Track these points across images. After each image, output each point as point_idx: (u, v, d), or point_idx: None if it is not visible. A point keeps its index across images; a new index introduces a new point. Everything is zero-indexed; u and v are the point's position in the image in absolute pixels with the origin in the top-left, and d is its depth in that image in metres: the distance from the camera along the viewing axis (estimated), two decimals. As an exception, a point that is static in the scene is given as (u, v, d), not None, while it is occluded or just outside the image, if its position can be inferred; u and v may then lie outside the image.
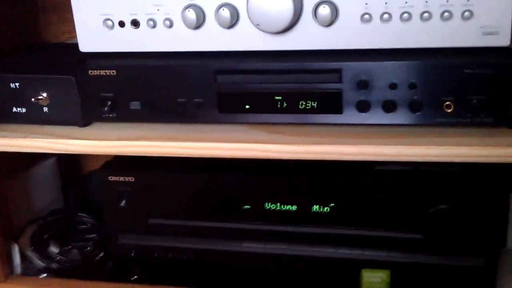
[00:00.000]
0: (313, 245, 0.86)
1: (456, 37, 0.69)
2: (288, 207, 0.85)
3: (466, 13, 0.68)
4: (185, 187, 0.87)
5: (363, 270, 0.85)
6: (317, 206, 0.85)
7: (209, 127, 0.80)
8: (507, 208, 0.94)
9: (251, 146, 0.76)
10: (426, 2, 0.68)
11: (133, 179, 0.86)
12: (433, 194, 0.81)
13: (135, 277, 0.92)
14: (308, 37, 0.73)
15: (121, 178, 0.86)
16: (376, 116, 0.73)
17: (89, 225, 1.02)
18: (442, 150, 0.71)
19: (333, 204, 0.84)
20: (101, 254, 0.98)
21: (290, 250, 0.87)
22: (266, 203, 0.86)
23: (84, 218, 1.03)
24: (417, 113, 0.72)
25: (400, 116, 0.72)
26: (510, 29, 0.68)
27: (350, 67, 0.72)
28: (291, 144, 0.74)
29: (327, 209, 0.84)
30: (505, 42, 0.69)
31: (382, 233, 0.84)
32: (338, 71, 0.72)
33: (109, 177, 0.86)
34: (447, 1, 0.68)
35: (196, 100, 0.77)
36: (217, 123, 0.79)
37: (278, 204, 0.86)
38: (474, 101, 0.70)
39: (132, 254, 0.91)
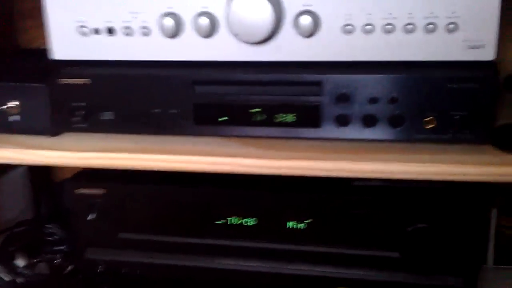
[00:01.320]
0: (288, 262, 0.84)
1: (440, 50, 0.68)
2: (263, 223, 0.83)
3: (451, 25, 0.66)
4: (157, 201, 0.84)
5: (340, 288, 0.83)
6: (293, 222, 0.82)
7: (184, 140, 0.77)
8: (487, 224, 0.93)
9: (225, 160, 0.73)
10: (410, 13, 0.67)
11: (103, 192, 0.83)
12: (412, 211, 0.78)
13: (104, 293, 0.88)
14: (289, 48, 0.71)
15: (91, 190, 0.83)
16: (356, 131, 0.71)
17: (58, 236, 0.99)
18: (421, 168, 0.69)
19: (309, 221, 0.81)
20: (71, 267, 0.94)
21: (265, 267, 0.84)
22: (241, 219, 0.83)
23: (53, 229, 0.99)
24: (397, 129, 0.70)
25: (380, 131, 0.71)
26: (495, 42, 0.66)
27: (330, 80, 0.70)
28: (266, 159, 0.72)
29: (302, 226, 0.82)
30: (489, 56, 0.67)
31: (358, 250, 0.81)
32: (318, 83, 0.70)
33: (78, 189, 0.83)
34: (432, 12, 0.66)
35: (171, 111, 0.74)
36: (192, 135, 0.76)
37: (254, 219, 0.83)
38: (456, 116, 0.68)
39: (100, 270, 0.87)
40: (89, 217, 0.84)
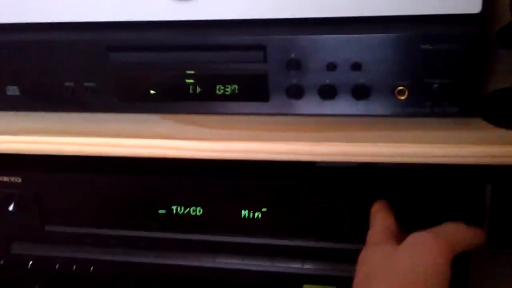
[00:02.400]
0: (244, 256, 0.72)
1: (412, 1, 0.53)
2: (213, 212, 0.70)
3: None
4: (86, 190, 0.72)
5: (304, 286, 0.71)
6: (247, 211, 0.69)
7: (107, 117, 0.64)
8: (482, 208, 0.80)
9: (158, 142, 0.61)
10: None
11: (20, 180, 0.70)
12: (387, 197, 0.65)
13: (36, 291, 0.77)
14: (224, 3, 0.56)
15: (5, 179, 0.70)
16: (312, 104, 0.58)
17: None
18: (394, 149, 0.56)
19: (266, 209, 0.68)
20: None
21: (216, 263, 0.72)
22: (185, 208, 0.70)
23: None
24: (362, 101, 0.57)
25: (341, 105, 0.57)
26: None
27: (276, 43, 0.56)
28: (204, 140, 0.59)
29: (258, 215, 0.69)
30: (475, 8, 0.53)
31: (326, 243, 0.69)
32: (262, 47, 0.56)
33: (-9, 177, 0.71)
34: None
35: (87, 84, 0.60)
36: (116, 113, 0.63)
37: (200, 209, 0.70)
38: (434, 85, 0.55)
39: (30, 266, 0.75)
40: (10, 208, 0.71)
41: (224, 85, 0.59)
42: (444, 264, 0.51)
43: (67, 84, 0.61)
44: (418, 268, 0.51)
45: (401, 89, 0.56)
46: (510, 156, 0.54)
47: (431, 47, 0.53)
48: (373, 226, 0.61)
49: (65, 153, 0.62)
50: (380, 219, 0.61)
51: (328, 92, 0.57)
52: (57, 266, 0.76)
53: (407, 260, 0.52)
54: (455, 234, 0.54)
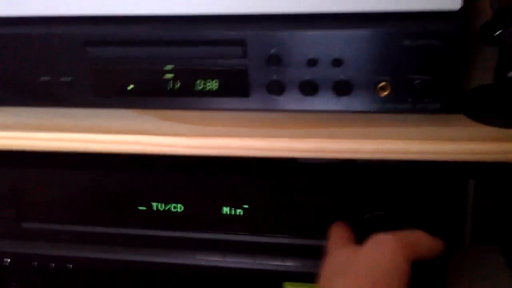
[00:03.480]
0: (225, 253, 0.71)
1: (393, -2, 0.52)
2: (193, 209, 0.69)
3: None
4: (64, 186, 0.71)
5: (284, 283, 0.70)
6: (228, 208, 0.68)
7: (83, 113, 0.62)
8: (463, 202, 0.80)
9: (135, 138, 0.59)
10: None
11: (-5, 176, 0.69)
12: (369, 193, 0.65)
13: (13, 289, 0.76)
14: (203, -3, 0.55)
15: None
16: (292, 100, 0.57)
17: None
18: (375, 145, 0.56)
19: (247, 206, 0.67)
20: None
21: (197, 260, 0.71)
22: (165, 205, 0.69)
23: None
24: (343, 97, 0.56)
25: (322, 101, 0.56)
26: (461, -13, 0.51)
27: (257, 38, 0.55)
28: (184, 136, 0.58)
29: (239, 212, 0.68)
30: (455, 4, 0.52)
31: (307, 240, 0.69)
32: (242, 42, 0.55)
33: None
34: None
35: (64, 79, 0.59)
36: (93, 108, 0.61)
37: (181, 206, 0.69)
38: (416, 81, 0.54)
39: (7, 263, 0.74)
40: (-14, 204, 0.70)
41: (203, 81, 0.58)
42: (403, 262, 0.53)
43: (43, 78, 0.60)
44: (378, 265, 0.53)
45: (382, 85, 0.55)
46: (491, 153, 0.54)
47: (412, 43, 0.52)
48: (333, 236, 0.63)
49: (40, 149, 0.61)
50: (337, 232, 0.63)
51: (309, 88, 0.56)
52: (35, 264, 0.75)
53: (367, 258, 0.55)
54: (415, 238, 0.57)
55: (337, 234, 0.63)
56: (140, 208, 0.71)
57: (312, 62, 0.55)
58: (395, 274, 0.53)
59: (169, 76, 0.58)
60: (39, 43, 0.58)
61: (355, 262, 0.55)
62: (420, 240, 0.57)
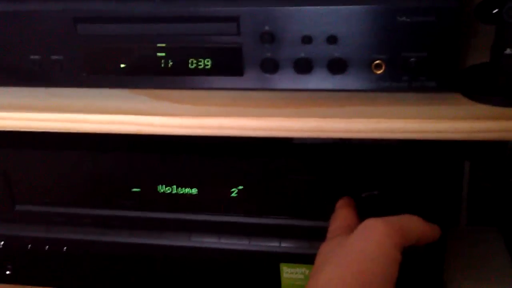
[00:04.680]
0: (220, 235, 0.70)
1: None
2: (187, 190, 0.68)
3: None
4: (57, 168, 0.70)
5: (281, 264, 0.70)
6: (223, 189, 0.67)
7: (75, 92, 0.62)
8: (459, 183, 0.79)
9: (128, 118, 0.59)
10: None
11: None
12: (366, 173, 0.64)
13: (8, 272, 0.75)
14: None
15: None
16: (287, 79, 0.56)
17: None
18: (370, 125, 0.55)
19: (242, 187, 0.67)
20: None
21: (191, 241, 0.71)
22: (160, 186, 0.69)
23: None
24: (338, 75, 0.55)
25: (317, 79, 0.56)
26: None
27: (250, 14, 0.54)
28: (177, 116, 0.57)
29: (234, 193, 0.67)
30: (451, -19, 0.51)
31: (303, 221, 0.68)
32: (235, 19, 0.54)
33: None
34: None
35: (54, 57, 0.58)
36: (84, 87, 0.61)
37: (174, 187, 0.68)
38: (412, 59, 0.53)
39: (1, 246, 0.73)
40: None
41: (196, 59, 0.57)
42: (392, 247, 0.51)
43: (33, 57, 0.59)
44: (364, 252, 0.51)
45: (377, 63, 0.54)
46: (488, 131, 0.53)
47: (407, 20, 0.52)
48: (334, 222, 0.61)
49: (32, 130, 0.60)
50: (343, 216, 0.61)
51: (303, 66, 0.55)
52: (29, 246, 0.74)
53: (356, 243, 0.53)
54: (407, 223, 0.54)
55: (342, 219, 0.61)
56: (134, 190, 0.70)
57: (307, 39, 0.54)
58: (383, 263, 0.51)
59: (161, 54, 0.57)
60: (28, 20, 0.57)
61: (342, 249, 0.53)
62: (413, 225, 0.55)
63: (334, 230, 0.60)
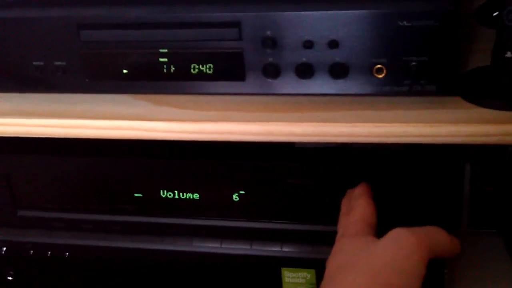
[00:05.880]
0: (222, 240, 0.70)
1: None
2: (189, 195, 0.68)
3: None
4: (59, 173, 0.71)
5: (283, 269, 0.70)
6: (225, 193, 0.68)
7: (77, 98, 0.62)
8: (460, 186, 0.79)
9: (130, 124, 0.59)
10: None
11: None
12: (366, 178, 0.64)
13: (10, 278, 0.75)
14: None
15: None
16: (288, 84, 0.56)
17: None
18: (371, 129, 0.55)
19: (243, 192, 0.67)
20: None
21: (193, 246, 0.71)
22: (162, 191, 0.69)
23: None
24: (340, 80, 0.55)
25: (318, 84, 0.56)
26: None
27: (251, 19, 0.55)
28: (181, 122, 0.57)
29: (236, 198, 0.67)
30: (452, -15, 0.52)
31: (305, 225, 0.69)
32: (236, 24, 0.55)
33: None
34: None
35: (57, 63, 0.58)
36: (87, 93, 0.61)
37: (176, 192, 0.69)
38: (412, 63, 0.53)
39: (3, 252, 0.73)
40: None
41: (198, 64, 0.57)
42: (420, 261, 0.50)
43: (36, 63, 0.59)
44: (395, 264, 0.50)
45: (379, 68, 0.55)
46: (488, 135, 0.54)
47: (408, 24, 0.52)
48: (352, 214, 0.58)
49: (35, 135, 0.60)
50: (361, 207, 0.58)
51: (305, 71, 0.56)
52: (31, 252, 0.74)
53: (384, 254, 0.51)
54: (435, 236, 0.53)
55: (361, 211, 0.58)
56: (136, 195, 0.70)
57: (308, 44, 0.54)
58: (410, 276, 0.49)
59: (163, 59, 0.58)
60: (30, 26, 0.58)
61: (369, 256, 0.51)
62: (439, 239, 0.53)
63: (353, 225, 0.57)
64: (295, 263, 0.69)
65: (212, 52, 0.56)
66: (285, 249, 0.69)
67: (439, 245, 0.53)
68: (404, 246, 0.50)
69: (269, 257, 0.70)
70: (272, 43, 0.55)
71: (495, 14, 0.54)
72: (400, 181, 0.65)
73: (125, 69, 0.58)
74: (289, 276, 0.70)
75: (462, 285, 0.70)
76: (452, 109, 0.55)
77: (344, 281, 0.50)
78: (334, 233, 0.62)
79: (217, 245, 0.70)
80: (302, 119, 0.56)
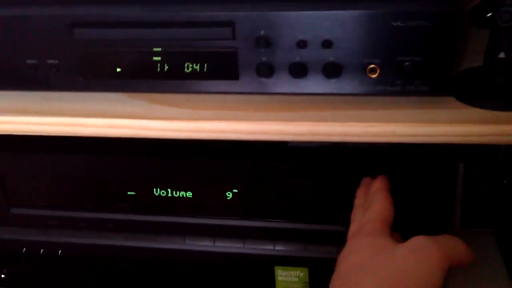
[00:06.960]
0: (215, 238, 0.70)
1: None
2: (182, 193, 0.68)
3: None
4: (52, 171, 0.71)
5: (276, 267, 0.70)
6: (218, 192, 0.68)
7: (72, 96, 0.62)
8: (453, 186, 0.80)
9: (124, 122, 0.59)
10: None
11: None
12: (360, 177, 0.64)
13: (3, 276, 0.75)
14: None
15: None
16: (282, 83, 0.57)
17: None
18: (364, 128, 0.55)
19: (236, 191, 0.67)
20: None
21: (186, 244, 0.71)
22: (155, 189, 0.69)
23: None
24: (333, 79, 0.55)
25: (312, 83, 0.56)
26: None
27: (245, 19, 0.55)
28: (175, 120, 0.57)
29: (229, 197, 0.67)
30: (446, -14, 0.52)
31: (298, 224, 0.69)
32: (230, 23, 0.55)
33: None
34: None
35: (50, 61, 0.58)
36: (82, 91, 0.61)
37: (170, 190, 0.68)
38: (406, 63, 0.53)
39: (-4, 250, 0.74)
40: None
41: (192, 63, 0.57)
42: (440, 273, 0.49)
43: (29, 61, 0.59)
44: (416, 275, 0.48)
45: (372, 67, 0.55)
46: (481, 135, 0.54)
47: (402, 25, 0.52)
48: (370, 210, 0.56)
49: (28, 133, 0.60)
50: (380, 204, 0.57)
51: (298, 70, 0.56)
52: (24, 250, 0.74)
53: (405, 263, 0.49)
54: (453, 247, 0.52)
55: (379, 209, 0.56)
56: (129, 193, 0.70)
57: (302, 44, 0.54)
58: (430, 286, 0.48)
59: (157, 58, 0.58)
60: (24, 25, 0.57)
61: (388, 262, 0.50)
62: (457, 250, 0.52)
63: (372, 223, 0.55)
64: (288, 261, 0.70)
65: (206, 51, 0.56)
66: (278, 247, 0.69)
67: (457, 256, 0.51)
68: (427, 257, 0.49)
69: (262, 256, 0.70)
70: (266, 42, 0.55)
71: (488, 15, 0.54)
72: (393, 181, 0.65)
73: (118, 68, 0.58)
74: (282, 274, 0.70)
75: (455, 285, 0.70)
76: (446, 109, 0.55)
77: (360, 284, 0.49)
78: (327, 231, 0.62)
79: (210, 243, 0.70)
80: (296, 118, 0.56)
